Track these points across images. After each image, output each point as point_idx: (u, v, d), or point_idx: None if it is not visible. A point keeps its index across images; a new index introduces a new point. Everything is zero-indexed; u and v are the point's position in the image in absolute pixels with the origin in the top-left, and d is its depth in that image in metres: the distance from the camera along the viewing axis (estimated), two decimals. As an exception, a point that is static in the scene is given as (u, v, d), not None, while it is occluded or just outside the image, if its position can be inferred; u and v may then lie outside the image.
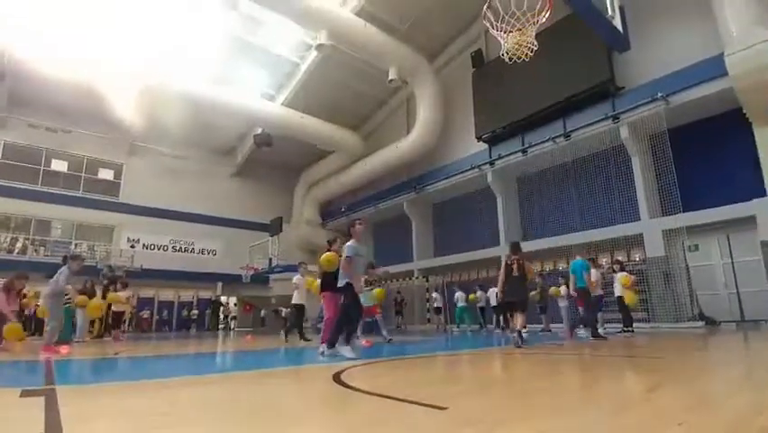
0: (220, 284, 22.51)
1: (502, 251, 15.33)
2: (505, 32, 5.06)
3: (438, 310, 16.51)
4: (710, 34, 10.27)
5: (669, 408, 1.99)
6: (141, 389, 3.24)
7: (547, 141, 13.83)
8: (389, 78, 16.80)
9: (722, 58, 9.54)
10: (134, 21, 14.98)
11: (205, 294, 23.04)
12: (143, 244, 21.31)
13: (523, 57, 5.20)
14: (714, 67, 10.11)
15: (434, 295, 16.80)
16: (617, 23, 5.28)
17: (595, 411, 2.05)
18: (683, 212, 11.09)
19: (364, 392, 2.73)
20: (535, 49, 5.17)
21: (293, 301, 9.47)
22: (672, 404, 2.08)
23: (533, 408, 2.16)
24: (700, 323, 10.35)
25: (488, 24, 5.31)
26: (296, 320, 9.56)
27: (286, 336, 9.71)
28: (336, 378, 3.24)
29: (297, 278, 9.47)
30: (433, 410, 2.05)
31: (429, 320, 17.13)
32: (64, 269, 6.72)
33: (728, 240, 11.03)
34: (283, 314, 17.94)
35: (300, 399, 2.81)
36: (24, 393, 2.81)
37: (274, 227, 20.38)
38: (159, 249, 21.67)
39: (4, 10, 13.40)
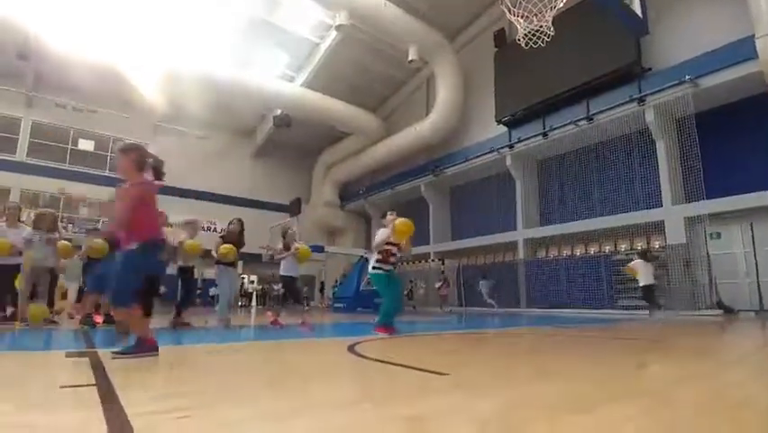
0: (240, 263, 23.05)
1: (520, 235, 15.36)
2: (522, 17, 5.08)
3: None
4: (741, 15, 9.87)
5: (651, 381, 2.12)
6: (173, 352, 3.52)
7: (569, 124, 13.63)
8: (409, 58, 16.67)
9: (752, 40, 9.22)
10: (156, 2, 15.16)
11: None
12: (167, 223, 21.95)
13: (540, 43, 5.22)
14: (744, 49, 9.77)
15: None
16: (636, 7, 5.19)
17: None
18: (706, 199, 10.89)
19: (374, 360, 2.93)
20: (552, 35, 5.17)
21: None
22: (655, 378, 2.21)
23: (523, 376, 2.33)
24: (719, 311, 10.26)
25: (505, 9, 5.32)
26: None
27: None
28: (350, 349, 3.47)
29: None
30: (436, 376, 2.24)
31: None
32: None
33: (751, 228, 10.81)
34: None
35: (319, 364, 3.03)
36: (69, 354, 3.11)
37: (293, 208, 20.72)
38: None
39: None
